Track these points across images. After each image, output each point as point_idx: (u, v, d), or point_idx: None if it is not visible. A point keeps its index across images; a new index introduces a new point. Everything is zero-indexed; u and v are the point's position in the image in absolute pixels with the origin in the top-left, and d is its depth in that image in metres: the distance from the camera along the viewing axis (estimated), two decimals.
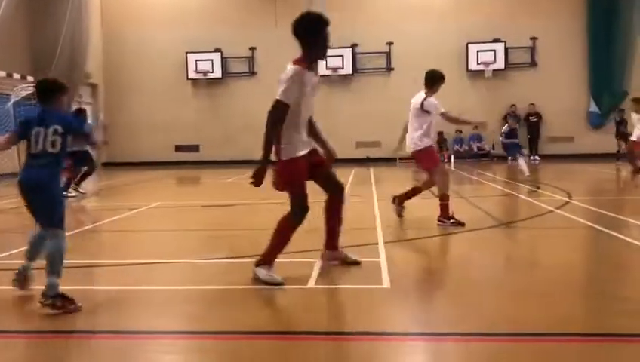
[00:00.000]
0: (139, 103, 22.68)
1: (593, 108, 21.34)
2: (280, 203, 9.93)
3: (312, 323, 3.58)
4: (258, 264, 4.55)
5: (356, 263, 4.95)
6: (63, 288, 4.46)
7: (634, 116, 13.33)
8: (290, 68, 4.95)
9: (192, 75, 22.27)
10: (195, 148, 22.72)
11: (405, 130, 7.48)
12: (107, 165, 22.56)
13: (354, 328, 3.50)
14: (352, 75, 21.99)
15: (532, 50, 21.44)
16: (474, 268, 5.28)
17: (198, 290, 4.47)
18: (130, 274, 5.07)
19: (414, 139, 7.08)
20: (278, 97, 4.78)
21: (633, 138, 13.19)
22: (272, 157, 4.78)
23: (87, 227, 7.99)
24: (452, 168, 17.32)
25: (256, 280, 4.44)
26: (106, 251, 6.48)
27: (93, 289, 4.63)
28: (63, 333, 3.52)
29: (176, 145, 22.81)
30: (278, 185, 4.93)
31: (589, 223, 7.06)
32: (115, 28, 22.65)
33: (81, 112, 13.63)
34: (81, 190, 11.95)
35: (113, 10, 22.70)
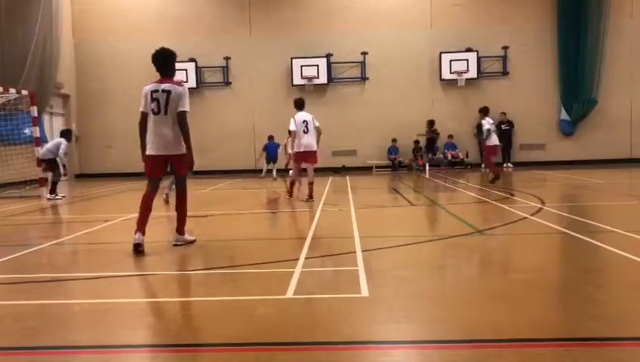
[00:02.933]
0: (111, 114, 22.43)
1: (564, 116, 21.79)
2: (252, 213, 9.93)
3: (292, 333, 3.55)
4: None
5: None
6: (35, 303, 4.37)
7: (484, 123, 13.91)
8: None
9: None
10: None
11: None
12: (80, 176, 22.23)
13: (334, 338, 3.48)
14: (327, 84, 22.09)
15: (504, 59, 21.83)
16: (452, 274, 5.31)
17: (174, 302, 4.40)
18: (105, 287, 4.98)
19: None
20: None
21: (488, 143, 13.84)
22: None
23: (62, 239, 7.84)
24: (427, 176, 17.43)
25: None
26: (82, 264, 6.36)
27: (67, 303, 4.52)
28: (34, 349, 3.43)
29: None
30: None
31: (563, 229, 7.17)
32: (87, 38, 22.40)
33: (68, 133, 13.60)
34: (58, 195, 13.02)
35: (85, 21, 22.46)
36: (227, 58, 22.28)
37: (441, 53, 21.77)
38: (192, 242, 6.86)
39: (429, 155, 20.88)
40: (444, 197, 12.59)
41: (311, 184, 11.34)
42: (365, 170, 21.25)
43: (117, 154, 22.32)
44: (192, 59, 22.11)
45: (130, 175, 21.50)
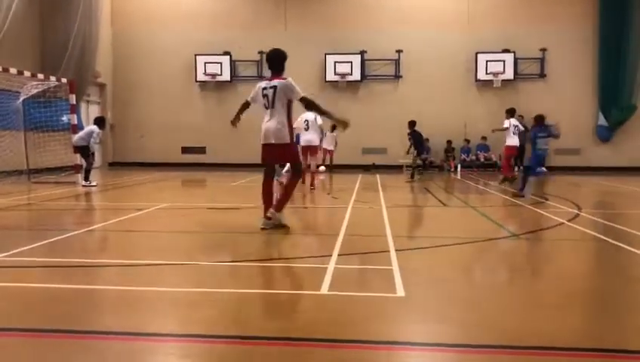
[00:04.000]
0: (147, 104, 22.72)
1: (602, 121, 21.27)
2: (285, 207, 9.90)
3: (326, 330, 3.51)
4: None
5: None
6: (68, 287, 4.42)
7: (505, 123, 13.93)
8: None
9: (200, 77, 22.30)
10: (201, 150, 22.73)
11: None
12: (113, 165, 22.58)
13: (369, 336, 3.43)
14: (360, 81, 21.98)
15: (541, 61, 21.40)
16: (488, 278, 5.21)
17: (207, 293, 4.40)
18: (137, 275, 5.01)
19: None
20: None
21: (507, 144, 13.85)
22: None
23: (94, 226, 7.95)
24: (458, 177, 17.21)
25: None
26: (113, 251, 6.43)
27: (99, 288, 4.57)
28: (71, 332, 3.46)
29: (182, 147, 22.82)
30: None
31: (601, 236, 6.98)
32: (125, 28, 22.70)
33: (102, 120, 13.81)
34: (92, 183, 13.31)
35: (123, 11, 22.76)
36: (261, 52, 22.33)
37: (477, 53, 21.44)
38: (283, 227, 7.09)
39: (420, 154, 20.17)
40: (476, 198, 12.40)
41: (313, 174, 12.71)
42: (395, 168, 21.08)
43: (151, 144, 22.62)
44: (226, 53, 22.24)
45: (164, 165, 21.78)
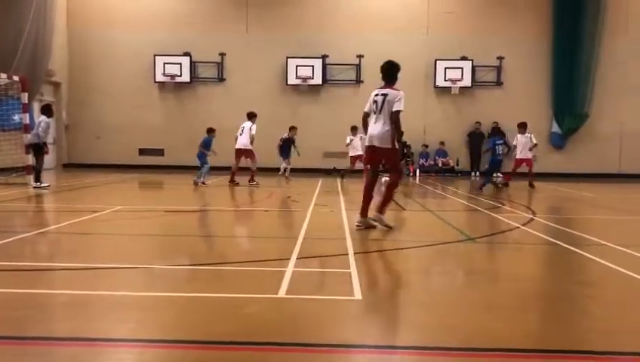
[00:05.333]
0: (103, 104, 22.20)
1: (555, 128, 21.90)
2: (243, 210, 9.85)
3: (283, 333, 3.49)
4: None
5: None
6: (19, 291, 4.27)
7: (519, 138, 15.72)
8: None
9: (159, 77, 21.93)
10: (159, 152, 22.35)
11: None
12: (68, 166, 21.97)
13: (326, 340, 3.41)
14: (321, 85, 22.03)
15: (498, 69, 21.89)
16: (444, 281, 5.27)
17: (162, 297, 4.31)
18: (91, 279, 4.88)
19: None
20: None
21: (519, 156, 15.67)
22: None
23: (46, 229, 7.70)
24: (417, 181, 17.44)
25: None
26: (65, 254, 6.23)
27: (51, 293, 4.42)
28: (20, 339, 3.33)
29: (140, 149, 22.38)
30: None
31: (554, 240, 7.17)
32: (81, 27, 22.15)
33: (48, 108, 13.42)
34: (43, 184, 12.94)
35: (80, 10, 22.21)
36: (222, 54, 22.15)
37: (436, 60, 21.79)
38: (389, 228, 7.54)
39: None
40: (434, 203, 12.58)
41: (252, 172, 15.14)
42: (356, 172, 21.19)
43: (107, 145, 22.11)
44: (186, 54, 21.97)
45: (120, 167, 21.32)
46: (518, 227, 8.17)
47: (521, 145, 15.71)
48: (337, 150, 22.03)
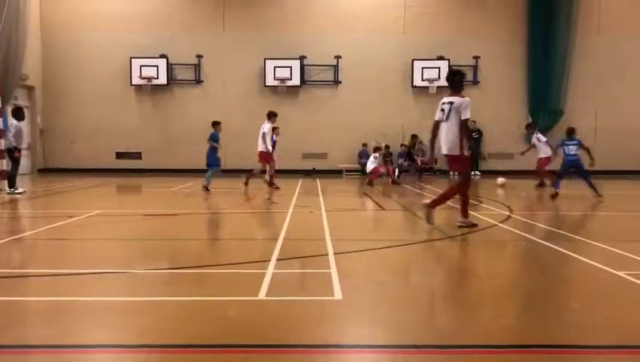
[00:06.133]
0: (79, 108, 21.93)
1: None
2: (222, 213, 9.81)
3: (263, 335, 3.48)
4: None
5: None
6: None
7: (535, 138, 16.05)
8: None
9: (135, 80, 21.72)
10: (137, 155, 22.13)
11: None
12: (43, 171, 21.64)
13: (307, 340, 3.42)
14: (300, 86, 22.03)
15: (475, 68, 22.12)
16: (424, 279, 5.31)
17: (142, 301, 4.28)
18: (68, 285, 4.82)
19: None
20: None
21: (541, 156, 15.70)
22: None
23: (22, 235, 7.58)
24: (396, 181, 17.53)
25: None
26: (42, 260, 6.14)
27: (29, 300, 4.36)
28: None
29: (117, 152, 22.14)
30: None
31: (531, 237, 7.27)
32: (55, 31, 21.86)
33: (19, 111, 13.19)
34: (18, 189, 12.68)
35: (53, 15, 21.91)
36: (199, 56, 22.02)
37: (413, 60, 21.94)
38: (473, 226, 7.85)
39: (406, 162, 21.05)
40: (414, 202, 12.65)
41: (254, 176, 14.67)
42: (335, 173, 21.26)
43: (83, 149, 21.82)
44: (163, 56, 21.79)
45: (97, 171, 21.06)
46: (496, 224, 8.27)
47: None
48: (316, 151, 22.06)
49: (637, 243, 6.86)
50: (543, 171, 15.65)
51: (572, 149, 13.07)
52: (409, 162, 21.87)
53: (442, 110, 7.87)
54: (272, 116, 14.73)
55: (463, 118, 7.69)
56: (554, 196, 12.45)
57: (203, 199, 12.54)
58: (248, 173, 14.85)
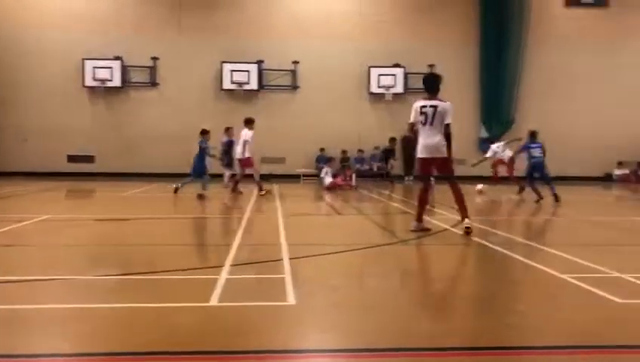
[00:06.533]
0: (29, 109, 21.31)
1: (483, 134, 22.75)
2: (176, 218, 9.70)
3: (214, 342, 3.45)
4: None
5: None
6: None
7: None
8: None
9: (89, 82, 21.23)
10: (89, 158, 21.61)
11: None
12: None
13: (256, 346, 3.41)
14: (257, 90, 21.97)
15: None
16: (376, 283, 5.37)
17: (90, 309, 4.18)
18: (16, 292, 4.66)
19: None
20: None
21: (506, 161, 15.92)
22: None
23: None
24: (354, 186, 17.66)
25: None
26: None
27: None
28: None
29: (68, 155, 21.57)
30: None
31: (481, 241, 7.44)
32: (8, 27, 21.18)
33: None
34: None
35: (6, 10, 21.23)
36: (155, 58, 21.70)
37: (370, 67, 22.20)
38: (427, 230, 7.98)
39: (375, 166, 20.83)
40: (369, 207, 12.78)
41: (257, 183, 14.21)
42: (293, 178, 21.27)
43: (33, 151, 21.17)
44: (117, 58, 21.37)
45: (48, 174, 20.47)
46: (447, 229, 8.43)
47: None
48: (274, 155, 22.01)
49: (581, 247, 7.11)
50: (514, 177, 15.92)
51: (537, 152, 13.39)
52: (387, 164, 21.81)
53: (424, 113, 7.79)
54: (250, 123, 14.28)
55: (447, 122, 7.81)
56: (538, 201, 13.00)
57: (157, 204, 12.35)
58: (233, 180, 14.75)
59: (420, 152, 7.90)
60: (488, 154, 16.76)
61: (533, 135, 13.94)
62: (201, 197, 12.87)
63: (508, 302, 4.60)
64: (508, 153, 16.10)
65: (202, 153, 13.36)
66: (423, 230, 7.93)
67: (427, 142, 7.82)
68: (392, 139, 21.40)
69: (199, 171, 13.33)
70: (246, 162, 14.06)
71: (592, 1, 23.15)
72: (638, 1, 23.12)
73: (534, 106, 22.74)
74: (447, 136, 7.86)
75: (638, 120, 23.15)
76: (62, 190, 16.09)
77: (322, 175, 17.38)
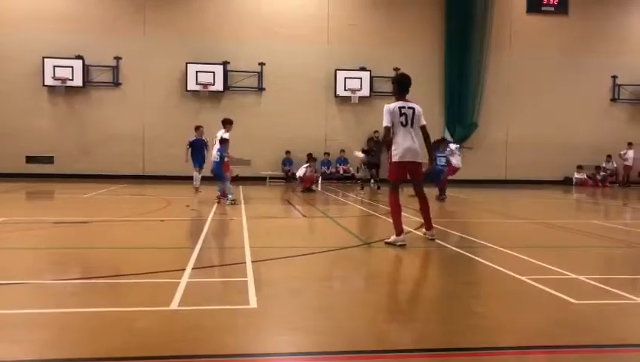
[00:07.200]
0: None
1: (447, 137, 23.04)
2: (138, 220, 9.55)
3: (173, 346, 3.41)
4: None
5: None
6: None
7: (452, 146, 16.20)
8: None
9: (48, 81, 20.71)
10: (49, 159, 21.07)
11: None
12: None
13: (219, 350, 3.38)
14: (222, 92, 21.81)
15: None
16: (339, 286, 5.39)
17: (44, 314, 4.07)
18: None
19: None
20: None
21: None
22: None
23: None
24: (319, 189, 17.69)
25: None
26: None
27: None
28: None
29: (27, 156, 20.99)
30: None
31: (443, 243, 7.54)
32: None
33: None
34: None
35: None
36: (118, 58, 21.32)
37: (336, 70, 22.27)
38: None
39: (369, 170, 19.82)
40: (335, 210, 12.81)
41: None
42: (259, 180, 21.18)
43: None
44: (79, 57, 20.92)
45: (4, 176, 19.89)
46: (410, 231, 8.51)
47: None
48: (240, 157, 21.83)
49: (539, 249, 7.27)
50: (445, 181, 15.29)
51: (442, 161, 14.35)
52: (331, 170, 22.03)
53: (404, 115, 7.42)
54: (227, 123, 13.64)
55: (424, 123, 7.59)
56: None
57: (118, 206, 12.12)
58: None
59: (400, 156, 7.38)
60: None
61: (438, 143, 14.57)
62: (220, 200, 12.57)
63: (469, 303, 4.66)
64: (456, 158, 15.97)
65: (219, 155, 12.82)
66: (401, 245, 7.17)
67: (409, 145, 7.37)
68: (370, 140, 20.19)
69: (219, 174, 12.87)
70: (226, 166, 13.26)
71: (552, 9, 23.75)
72: (598, 9, 23.80)
73: (497, 110, 23.20)
74: (427, 139, 7.68)
75: (598, 125, 23.84)
76: (20, 192, 15.65)
77: (301, 168, 17.54)
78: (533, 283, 5.15)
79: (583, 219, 11.69)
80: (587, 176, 23.41)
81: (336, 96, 22.48)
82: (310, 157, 18.63)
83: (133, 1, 21.39)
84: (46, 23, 20.80)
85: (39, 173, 20.45)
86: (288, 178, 21.65)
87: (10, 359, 3.23)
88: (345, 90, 22.28)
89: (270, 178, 21.52)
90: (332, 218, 10.91)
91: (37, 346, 3.41)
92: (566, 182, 23.52)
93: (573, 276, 5.50)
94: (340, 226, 9.49)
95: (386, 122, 7.41)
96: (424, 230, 7.88)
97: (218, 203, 12.40)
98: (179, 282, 4.85)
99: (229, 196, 12.51)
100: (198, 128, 15.67)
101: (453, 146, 16.54)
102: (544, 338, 3.76)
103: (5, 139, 20.55)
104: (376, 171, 18.64)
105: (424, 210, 7.80)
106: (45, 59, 20.57)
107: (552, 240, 8.55)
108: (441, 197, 14.39)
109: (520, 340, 3.72)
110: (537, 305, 4.57)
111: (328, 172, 22.10)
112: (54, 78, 20.63)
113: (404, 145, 7.37)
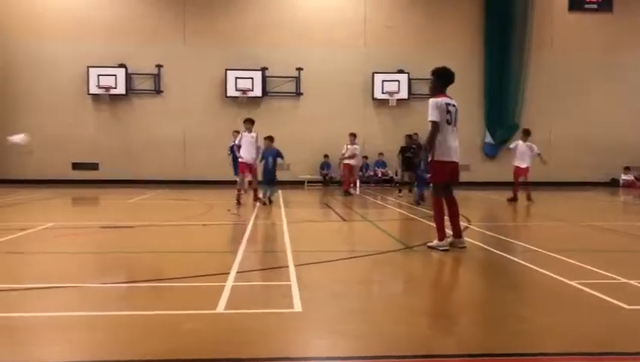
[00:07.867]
0: (33, 117, 21.38)
1: (488, 139, 22.75)
2: (181, 225, 9.71)
3: (221, 349, 3.45)
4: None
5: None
6: None
7: (520, 145, 14.86)
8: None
9: (93, 89, 21.32)
10: (94, 166, 21.68)
11: None
12: None
13: (262, 354, 3.41)
14: (261, 97, 22.02)
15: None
16: (382, 290, 5.36)
17: (96, 316, 4.18)
18: (19, 301, 4.67)
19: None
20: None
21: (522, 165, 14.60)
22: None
23: None
24: (357, 193, 17.65)
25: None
26: None
27: None
28: None
29: (73, 163, 21.65)
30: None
31: (487, 247, 7.42)
32: (7, 38, 21.30)
33: None
34: None
35: (8, 20, 21.38)
36: (159, 66, 21.79)
37: (373, 73, 22.22)
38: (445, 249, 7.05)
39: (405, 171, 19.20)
40: (374, 213, 12.77)
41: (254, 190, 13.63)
42: (297, 184, 21.28)
43: (38, 159, 21.24)
44: (121, 65, 21.47)
45: (52, 182, 20.55)
46: (449, 235, 8.39)
47: (520, 152, 14.69)
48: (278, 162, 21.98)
49: (587, 253, 7.09)
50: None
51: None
52: (369, 173, 21.97)
53: (449, 112, 7.02)
54: (248, 123, 14.16)
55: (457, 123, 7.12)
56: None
57: (161, 211, 12.36)
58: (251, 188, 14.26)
59: (445, 155, 6.96)
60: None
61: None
62: (263, 202, 13.12)
63: (514, 307, 4.58)
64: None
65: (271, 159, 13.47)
66: (444, 251, 6.90)
67: (454, 144, 7.02)
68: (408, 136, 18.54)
69: (272, 177, 13.44)
70: (243, 167, 13.69)
71: (595, 7, 23.15)
72: None
73: (539, 111, 22.74)
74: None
75: None
76: (66, 197, 16.13)
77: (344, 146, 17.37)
78: (581, 287, 5.02)
79: (632, 222, 11.33)
80: (635, 177, 22.69)
81: (373, 99, 22.44)
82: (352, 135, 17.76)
83: (173, 10, 21.84)
84: (90, 33, 21.45)
85: (85, 179, 21.06)
86: (326, 182, 21.69)
87: (66, 359, 3.33)
88: (382, 92, 22.22)
89: (308, 182, 21.60)
90: (372, 221, 10.87)
91: (90, 347, 3.51)
92: (612, 184, 22.85)
93: (624, 280, 5.33)
94: (380, 230, 9.45)
95: (433, 117, 6.92)
96: (452, 238, 7.20)
97: (264, 204, 12.92)
98: (224, 285, 4.91)
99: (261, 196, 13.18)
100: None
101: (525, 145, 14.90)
102: (594, 344, 3.65)
103: (52, 147, 21.23)
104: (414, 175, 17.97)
105: (455, 214, 7.18)
106: (90, 69, 21.19)
107: (600, 243, 8.31)
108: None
109: (568, 346, 3.62)
110: (586, 310, 4.45)
111: (366, 175, 22.04)
112: (98, 86, 21.24)
113: (450, 144, 7.00)
